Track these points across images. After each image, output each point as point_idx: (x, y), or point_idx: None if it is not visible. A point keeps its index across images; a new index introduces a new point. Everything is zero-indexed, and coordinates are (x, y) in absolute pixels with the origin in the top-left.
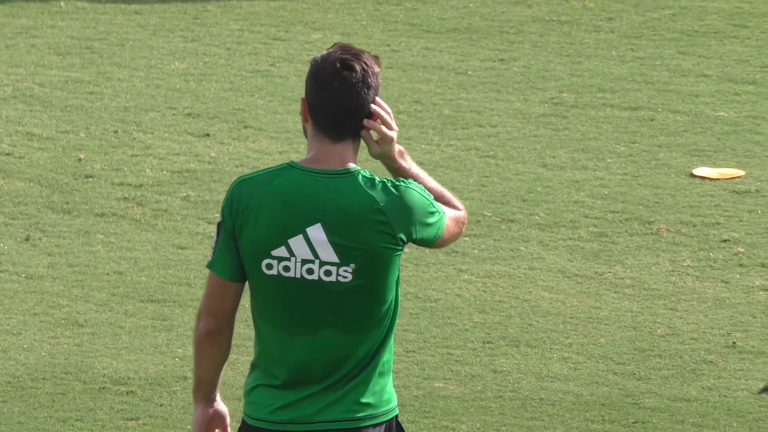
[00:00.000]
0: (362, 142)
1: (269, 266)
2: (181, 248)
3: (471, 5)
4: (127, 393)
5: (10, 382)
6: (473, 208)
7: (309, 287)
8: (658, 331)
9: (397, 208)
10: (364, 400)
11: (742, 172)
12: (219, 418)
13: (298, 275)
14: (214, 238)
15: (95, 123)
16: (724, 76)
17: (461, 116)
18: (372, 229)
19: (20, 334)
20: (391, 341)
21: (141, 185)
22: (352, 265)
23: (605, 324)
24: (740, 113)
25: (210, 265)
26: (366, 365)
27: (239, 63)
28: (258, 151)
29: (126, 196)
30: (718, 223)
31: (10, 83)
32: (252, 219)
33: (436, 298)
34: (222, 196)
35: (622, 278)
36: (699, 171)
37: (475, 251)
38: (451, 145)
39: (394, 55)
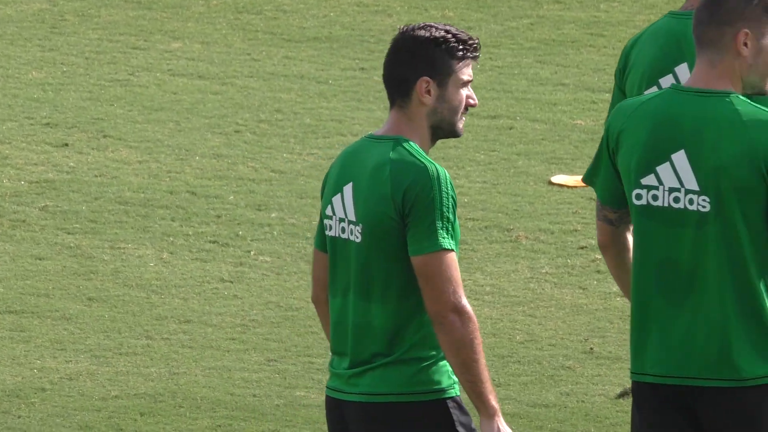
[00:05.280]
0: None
1: (326, 227)
2: (40, 259)
3: (331, 14)
4: None
5: None
6: None
7: (342, 246)
8: (517, 337)
9: (404, 180)
10: (394, 376)
11: None
12: None
13: (336, 234)
14: None
15: None
16: (582, 84)
17: (322, 125)
18: (377, 192)
19: None
20: (418, 321)
21: None
22: (361, 225)
23: None
24: (597, 122)
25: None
26: (389, 339)
27: (98, 72)
28: (117, 160)
29: None
30: (576, 230)
31: None
32: (325, 188)
33: (297, 306)
34: (81, 207)
35: (482, 285)
36: (557, 179)
37: None
38: (313, 154)
39: (255, 64)
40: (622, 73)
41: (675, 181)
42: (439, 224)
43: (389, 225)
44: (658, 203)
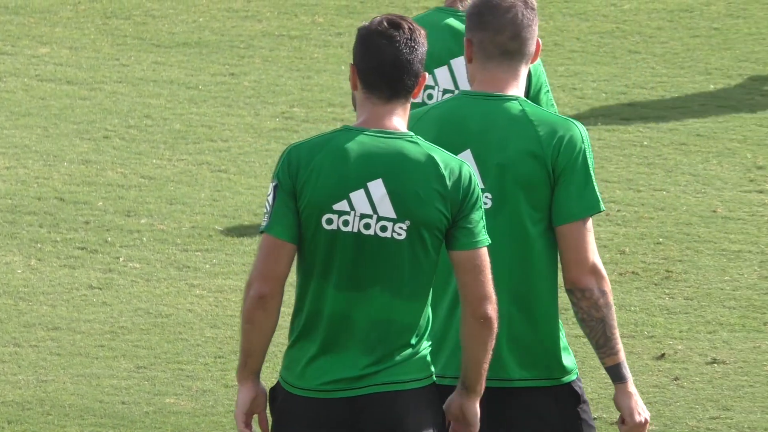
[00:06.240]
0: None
1: (329, 221)
2: None
3: (201, 19)
4: None
5: None
6: (205, 222)
7: (364, 242)
8: None
9: (457, 179)
10: (417, 363)
11: None
12: (263, 398)
13: (356, 229)
14: (270, 202)
15: None
16: None
17: (192, 131)
18: (430, 191)
19: None
20: (429, 314)
21: None
22: (407, 222)
23: None
24: None
25: (267, 229)
26: (409, 333)
27: None
28: None
29: None
30: None
31: None
32: (314, 178)
33: (167, 313)
34: None
35: None
36: None
37: (207, 266)
38: (183, 160)
39: (124, 70)
40: None
41: None
42: (482, 221)
43: (441, 223)
44: None
